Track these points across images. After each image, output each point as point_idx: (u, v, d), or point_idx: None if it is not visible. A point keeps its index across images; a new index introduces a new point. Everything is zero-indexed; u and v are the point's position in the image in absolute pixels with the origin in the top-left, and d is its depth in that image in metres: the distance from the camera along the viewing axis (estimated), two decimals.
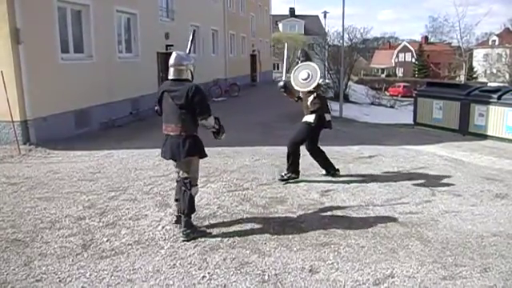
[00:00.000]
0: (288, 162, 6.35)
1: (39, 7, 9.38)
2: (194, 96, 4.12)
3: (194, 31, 4.84)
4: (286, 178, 6.32)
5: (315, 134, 6.41)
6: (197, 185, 4.44)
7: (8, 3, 8.44)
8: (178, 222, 4.52)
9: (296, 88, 6.25)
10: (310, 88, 6.11)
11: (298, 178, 6.38)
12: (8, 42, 8.54)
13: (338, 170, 6.59)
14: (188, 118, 4.19)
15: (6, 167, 7.28)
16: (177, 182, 4.57)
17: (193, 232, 4.35)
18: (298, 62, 6.40)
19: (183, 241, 4.26)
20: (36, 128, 9.03)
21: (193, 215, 4.46)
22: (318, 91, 6.15)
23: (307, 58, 6.50)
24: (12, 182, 6.38)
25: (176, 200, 4.59)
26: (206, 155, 4.41)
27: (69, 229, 4.61)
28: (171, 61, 4.29)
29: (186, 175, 4.34)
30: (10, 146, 8.56)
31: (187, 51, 4.55)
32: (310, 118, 6.29)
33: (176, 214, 4.59)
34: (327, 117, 6.38)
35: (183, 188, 4.34)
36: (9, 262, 3.87)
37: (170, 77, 4.30)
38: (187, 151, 4.20)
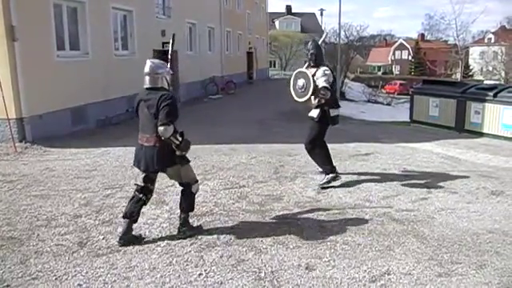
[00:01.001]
0: (318, 165, 6.16)
1: (35, 4, 9.33)
2: (162, 101, 3.93)
3: (174, 35, 4.67)
4: (326, 181, 5.96)
5: (321, 130, 6.06)
6: (197, 181, 4.36)
7: (3, 0, 8.40)
8: (122, 242, 4.12)
9: (296, 98, 5.99)
10: (305, 99, 5.85)
11: (337, 175, 6.03)
12: (3, 39, 8.48)
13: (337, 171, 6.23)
14: None
15: (2, 165, 7.26)
16: (132, 197, 4.25)
17: (189, 229, 4.35)
18: (307, 54, 6.10)
19: (179, 238, 4.26)
20: (32, 126, 8.99)
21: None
22: (317, 97, 5.80)
23: (318, 50, 6.05)
24: (8, 179, 6.35)
25: (124, 217, 4.19)
26: (187, 161, 4.23)
27: (65, 227, 4.60)
28: (146, 69, 4.14)
29: (180, 181, 4.30)
30: (6, 144, 8.52)
31: (169, 56, 4.40)
32: (313, 113, 6.01)
33: (121, 232, 4.19)
34: (332, 112, 6.00)
35: (183, 190, 4.31)
36: (5, 259, 3.86)
37: (146, 85, 4.15)
38: (163, 163, 4.07)
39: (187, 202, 4.31)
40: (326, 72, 5.86)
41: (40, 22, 9.52)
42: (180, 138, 4.02)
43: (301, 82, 5.87)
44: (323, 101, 5.84)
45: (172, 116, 3.94)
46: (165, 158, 4.06)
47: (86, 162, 7.38)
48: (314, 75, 5.84)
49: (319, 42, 6.47)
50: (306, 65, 6.19)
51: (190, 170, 4.33)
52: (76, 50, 11.06)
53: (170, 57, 4.42)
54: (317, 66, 5.97)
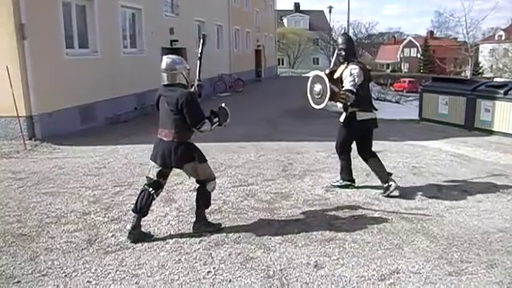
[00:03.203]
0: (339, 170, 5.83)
1: (44, 2, 9.41)
2: (183, 106, 3.97)
3: (204, 36, 4.61)
4: (339, 184, 5.81)
5: (348, 135, 5.66)
6: (214, 178, 4.35)
7: None
8: (131, 237, 4.16)
9: (313, 105, 5.56)
10: (322, 106, 5.43)
11: (351, 184, 5.80)
12: (13, 37, 8.57)
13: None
14: (182, 124, 4.04)
15: (12, 162, 7.32)
16: (141, 191, 4.24)
17: (205, 225, 4.36)
18: (337, 50, 5.66)
19: (195, 232, 4.28)
20: (41, 123, 9.07)
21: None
22: (337, 101, 5.40)
23: (348, 45, 5.53)
24: (18, 177, 6.41)
25: (134, 211, 4.20)
26: (204, 160, 4.23)
27: (74, 224, 4.62)
28: (163, 65, 4.13)
29: (197, 178, 4.31)
30: (16, 142, 8.61)
31: (198, 55, 4.46)
32: (341, 117, 5.66)
33: (130, 227, 4.22)
34: (360, 115, 5.49)
35: (199, 188, 4.33)
36: (15, 256, 3.89)
37: (164, 82, 4.16)
38: (179, 159, 4.08)
39: (204, 198, 4.33)
40: (353, 72, 5.33)
41: (49, 21, 9.58)
42: (216, 119, 4.24)
43: (317, 87, 5.32)
44: (349, 103, 5.31)
45: (200, 115, 4.07)
46: (182, 155, 4.10)
47: (94, 160, 7.42)
48: (342, 73, 5.46)
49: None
50: (336, 61, 5.75)
51: (208, 167, 4.33)
52: (85, 48, 11.13)
53: (200, 55, 4.48)
54: (346, 62, 5.49)
